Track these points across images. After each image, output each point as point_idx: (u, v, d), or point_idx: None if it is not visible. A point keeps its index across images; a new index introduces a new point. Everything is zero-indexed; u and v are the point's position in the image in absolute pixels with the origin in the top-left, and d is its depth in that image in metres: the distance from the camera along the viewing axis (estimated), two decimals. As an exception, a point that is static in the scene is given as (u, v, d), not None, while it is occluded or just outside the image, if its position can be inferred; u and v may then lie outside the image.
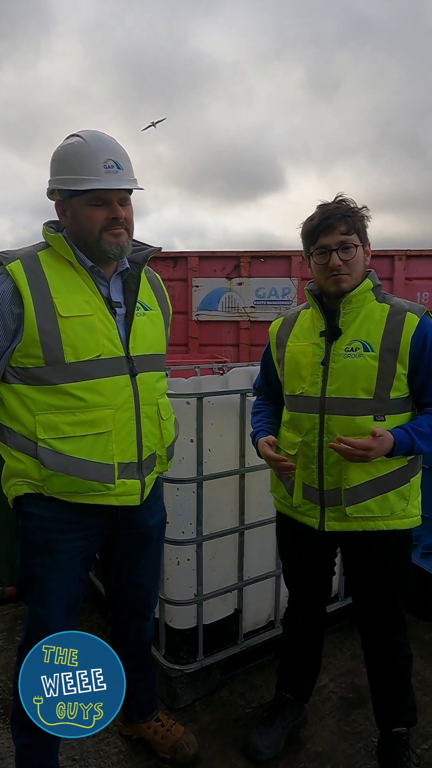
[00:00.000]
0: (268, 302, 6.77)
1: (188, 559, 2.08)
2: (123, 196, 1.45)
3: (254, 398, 1.92)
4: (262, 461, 2.12)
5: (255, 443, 1.72)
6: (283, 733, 1.91)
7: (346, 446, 1.46)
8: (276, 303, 6.71)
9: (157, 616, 2.12)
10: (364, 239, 1.57)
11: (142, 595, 1.75)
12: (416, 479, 1.64)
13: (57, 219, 1.52)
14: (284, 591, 2.10)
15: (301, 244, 1.63)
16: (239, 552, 2.20)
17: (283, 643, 2.01)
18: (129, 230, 1.48)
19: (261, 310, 6.77)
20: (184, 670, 2.08)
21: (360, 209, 1.57)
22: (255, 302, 6.79)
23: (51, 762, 1.64)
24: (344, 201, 1.57)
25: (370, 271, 1.62)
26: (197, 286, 6.85)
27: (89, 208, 1.42)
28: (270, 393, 1.83)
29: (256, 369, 3.08)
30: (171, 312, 1.71)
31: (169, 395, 1.94)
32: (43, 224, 1.51)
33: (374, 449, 1.46)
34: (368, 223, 1.59)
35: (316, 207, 1.59)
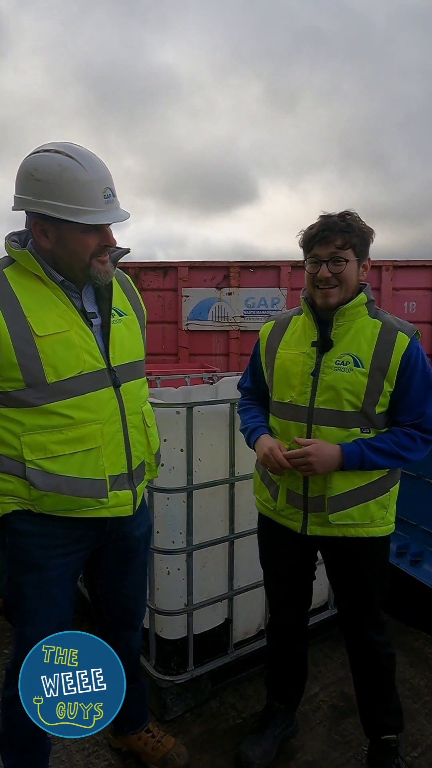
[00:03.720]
0: (257, 312, 6.81)
1: (178, 569, 2.08)
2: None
3: (240, 398, 1.91)
4: (253, 471, 2.13)
5: (254, 439, 1.70)
6: (275, 742, 1.91)
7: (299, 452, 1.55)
8: (265, 312, 6.75)
9: (146, 626, 2.11)
10: (360, 255, 1.57)
11: (130, 606, 1.73)
12: (395, 489, 1.68)
13: (19, 231, 1.45)
14: (274, 600, 2.10)
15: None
16: (229, 561, 2.20)
17: (268, 653, 2.01)
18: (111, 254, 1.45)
19: (251, 319, 6.81)
20: (175, 681, 2.07)
21: (363, 225, 1.57)
22: (245, 312, 6.84)
23: (40, 775, 1.62)
24: (348, 215, 1.56)
25: (365, 285, 1.63)
26: (187, 296, 6.88)
27: (82, 236, 1.36)
28: (257, 393, 1.84)
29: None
30: (145, 313, 1.66)
31: (159, 405, 1.95)
32: (5, 238, 1.43)
33: (312, 454, 1.53)
34: (371, 239, 1.58)
35: (318, 216, 1.59)
